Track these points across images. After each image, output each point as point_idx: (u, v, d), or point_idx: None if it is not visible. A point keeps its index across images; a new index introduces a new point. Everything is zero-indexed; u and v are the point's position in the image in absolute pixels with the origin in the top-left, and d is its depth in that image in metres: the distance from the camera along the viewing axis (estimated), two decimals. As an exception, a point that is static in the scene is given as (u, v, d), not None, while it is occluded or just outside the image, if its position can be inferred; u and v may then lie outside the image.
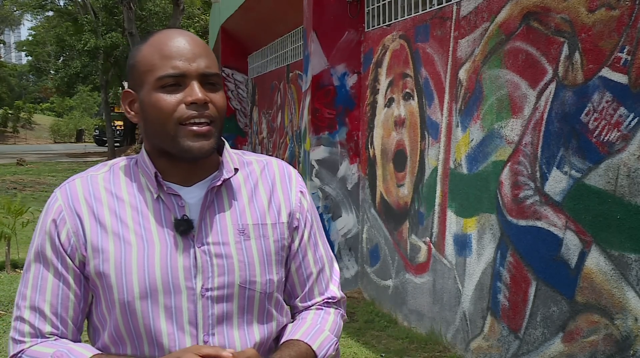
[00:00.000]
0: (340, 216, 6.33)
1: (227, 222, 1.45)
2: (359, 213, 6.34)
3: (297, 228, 1.55)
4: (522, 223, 3.84)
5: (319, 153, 6.28)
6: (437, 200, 4.84)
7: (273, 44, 10.76)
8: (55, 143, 45.62)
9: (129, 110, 1.45)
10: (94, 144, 40.05)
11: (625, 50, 3.08)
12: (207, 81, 1.38)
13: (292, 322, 1.58)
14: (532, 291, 3.76)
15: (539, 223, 3.69)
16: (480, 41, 4.27)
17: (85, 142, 45.49)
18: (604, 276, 3.22)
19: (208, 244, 1.43)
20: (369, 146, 6.11)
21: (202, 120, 1.36)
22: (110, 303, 1.40)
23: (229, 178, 1.47)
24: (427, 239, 4.99)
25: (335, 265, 1.65)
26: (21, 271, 6.92)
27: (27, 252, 1.46)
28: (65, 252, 1.41)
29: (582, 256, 3.36)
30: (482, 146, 4.25)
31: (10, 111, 46.56)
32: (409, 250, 5.30)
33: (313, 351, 1.46)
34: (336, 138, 6.30)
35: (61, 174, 16.69)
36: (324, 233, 1.65)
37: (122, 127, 34.27)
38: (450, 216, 4.65)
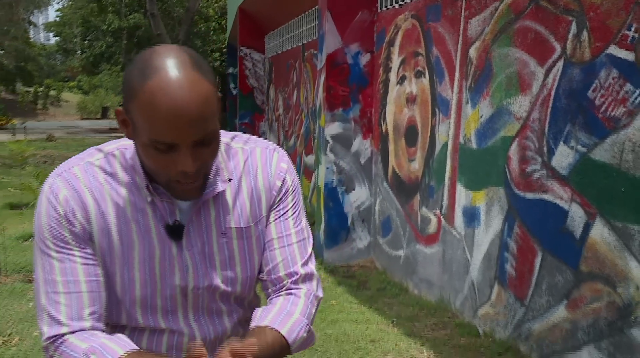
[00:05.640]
0: (354, 190, 6.33)
1: (212, 226, 1.42)
2: (372, 187, 6.34)
3: (271, 208, 1.50)
4: (529, 196, 3.82)
5: (333, 128, 6.27)
6: (447, 174, 4.82)
7: (289, 24, 10.69)
8: (82, 119, 45.78)
9: (122, 127, 1.31)
10: (119, 120, 40.15)
11: (633, 28, 3.03)
12: (201, 141, 1.25)
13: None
14: (537, 261, 3.76)
15: (545, 196, 3.68)
16: (490, 20, 4.22)
17: (110, 118, 45.62)
18: (608, 247, 3.20)
19: (196, 247, 1.42)
20: (382, 122, 6.09)
21: (191, 180, 1.29)
22: (112, 295, 1.40)
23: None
24: (437, 211, 4.99)
25: (308, 245, 1.54)
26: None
27: (35, 249, 1.36)
28: (83, 239, 1.35)
29: (587, 227, 3.35)
30: (491, 122, 4.22)
31: (40, 89, 46.81)
32: (419, 222, 5.30)
33: (282, 336, 1.40)
34: (350, 114, 6.28)
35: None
36: (301, 214, 1.54)
37: (145, 105, 34.24)
38: (460, 189, 4.64)
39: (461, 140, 4.62)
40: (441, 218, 4.93)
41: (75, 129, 30.54)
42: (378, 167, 6.20)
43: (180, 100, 1.18)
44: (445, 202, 4.87)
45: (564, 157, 3.51)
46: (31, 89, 46.10)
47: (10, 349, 3.99)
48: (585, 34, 3.35)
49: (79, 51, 37.23)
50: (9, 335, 4.25)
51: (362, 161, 6.35)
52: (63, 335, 1.32)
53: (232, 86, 16.25)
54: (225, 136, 1.47)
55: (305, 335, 1.45)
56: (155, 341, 1.47)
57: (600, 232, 3.26)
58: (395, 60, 5.76)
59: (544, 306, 3.70)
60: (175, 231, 1.40)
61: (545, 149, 3.68)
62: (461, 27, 4.61)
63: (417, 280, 5.32)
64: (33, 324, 4.41)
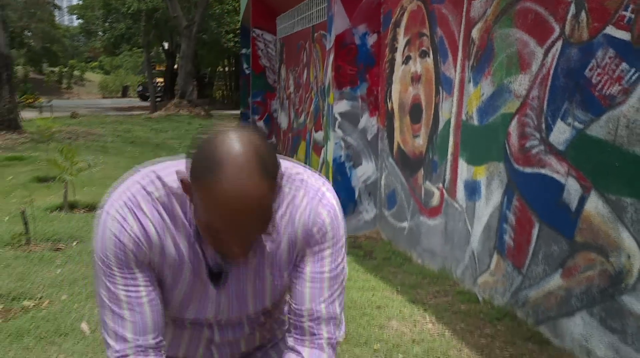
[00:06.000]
0: (361, 164, 6.32)
1: (250, 273, 1.42)
2: (378, 162, 6.33)
3: (308, 247, 1.43)
4: (528, 170, 3.81)
5: (342, 106, 6.25)
6: (450, 150, 4.81)
7: (299, 6, 10.60)
8: (104, 98, 45.75)
9: (184, 189, 1.26)
10: (138, 98, 40.16)
11: (630, 9, 2.99)
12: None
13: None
14: (535, 232, 3.76)
15: (543, 171, 3.66)
16: (492, 2, 4.18)
17: (130, 97, 45.61)
18: (602, 219, 3.20)
19: (232, 289, 1.43)
20: (388, 100, 6.06)
21: (239, 259, 1.29)
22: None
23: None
24: (440, 185, 4.98)
25: (338, 285, 1.45)
26: (78, 212, 7.03)
27: (96, 260, 1.35)
28: (144, 264, 1.34)
29: (582, 200, 3.34)
30: (492, 99, 4.19)
31: (64, 69, 46.82)
32: (423, 195, 5.30)
33: None
34: (357, 92, 6.26)
35: (110, 126, 16.83)
36: (339, 255, 1.44)
37: (163, 84, 34.23)
38: (462, 164, 4.63)
39: (463, 117, 4.60)
40: (444, 191, 4.93)
41: (98, 107, 30.59)
42: (384, 143, 6.19)
43: (239, 207, 1.14)
44: (447, 176, 4.86)
45: (561, 133, 3.49)
46: (56, 69, 46.12)
47: (40, 312, 4.04)
48: (583, 14, 3.31)
49: (100, 33, 37.10)
50: (40, 298, 4.30)
51: (369, 137, 6.33)
52: (127, 355, 1.35)
53: (245, 66, 16.16)
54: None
55: None
56: (179, 332, 1.53)
57: (594, 205, 3.25)
58: (401, 40, 5.72)
59: (540, 274, 3.71)
60: (217, 276, 1.41)
61: (543, 125, 3.65)
62: (464, 9, 4.56)
63: (421, 250, 5.34)
64: (61, 289, 4.47)
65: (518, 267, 3.93)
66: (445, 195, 4.90)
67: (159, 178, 1.32)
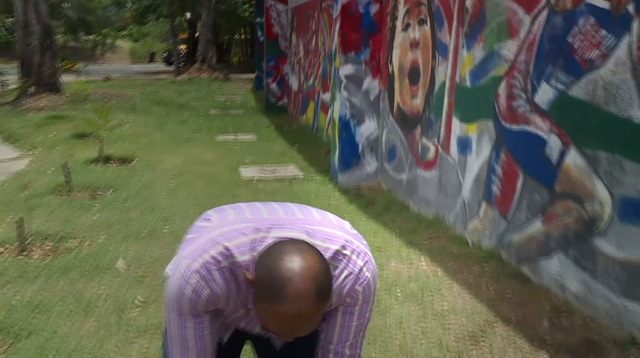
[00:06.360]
0: (364, 122, 6.30)
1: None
2: (379, 120, 6.31)
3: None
4: (514, 127, 3.80)
5: (347, 69, 6.20)
6: (444, 109, 4.78)
7: (309, -21, 10.40)
8: (133, 63, 45.34)
9: (248, 280, 1.29)
10: (164, 64, 39.81)
11: (610, -20, 2.93)
12: None
13: None
14: (519, 183, 3.77)
15: (528, 128, 3.65)
16: (485, -26, 4.09)
17: (156, 62, 45.17)
18: (579, 171, 3.20)
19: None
20: (389, 64, 6.00)
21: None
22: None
23: None
24: (435, 141, 4.98)
25: (360, 338, 1.51)
26: (111, 164, 7.07)
27: (169, 307, 1.40)
28: (212, 316, 1.41)
29: (562, 154, 3.33)
30: (483, 63, 4.14)
31: (98, 38, 46.49)
32: (420, 150, 5.30)
33: None
34: (361, 57, 6.19)
35: (138, 88, 16.72)
36: (366, 317, 1.48)
37: (186, 50, 33.82)
38: (455, 122, 4.61)
39: (457, 80, 4.55)
40: (438, 146, 4.92)
41: (128, 71, 30.37)
42: (385, 103, 6.15)
43: (295, 326, 1.20)
44: (442, 133, 4.85)
45: (545, 94, 3.47)
46: (91, 37, 45.76)
47: (82, 251, 4.12)
48: (568, -15, 3.25)
49: (129, 4, 36.56)
50: (82, 239, 4.38)
51: (371, 98, 6.29)
52: None
53: (259, 33, 15.95)
54: (327, 252, 1.37)
55: None
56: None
57: (573, 158, 3.25)
58: (401, 9, 5.62)
59: (523, 220, 3.73)
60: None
61: (529, 87, 3.62)
62: (459, -20, 4.47)
63: (417, 199, 5.36)
64: (99, 231, 4.54)
65: (504, 214, 3.95)
66: (440, 150, 4.89)
67: (230, 254, 1.34)
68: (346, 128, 6.28)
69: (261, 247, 1.31)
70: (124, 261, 3.95)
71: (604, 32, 3.00)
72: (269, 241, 1.31)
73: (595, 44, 3.05)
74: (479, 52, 4.19)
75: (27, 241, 4.16)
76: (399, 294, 3.48)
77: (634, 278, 2.85)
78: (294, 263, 1.18)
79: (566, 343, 2.90)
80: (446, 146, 4.77)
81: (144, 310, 3.23)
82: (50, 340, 2.89)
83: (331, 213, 1.55)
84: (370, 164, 6.38)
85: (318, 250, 1.26)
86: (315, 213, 1.47)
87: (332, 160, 6.59)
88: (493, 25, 4.00)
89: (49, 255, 4.04)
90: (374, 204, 5.57)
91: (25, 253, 4.05)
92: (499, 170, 3.99)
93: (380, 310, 3.25)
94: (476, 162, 4.29)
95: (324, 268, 1.22)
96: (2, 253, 4.08)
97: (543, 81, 3.48)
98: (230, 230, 1.36)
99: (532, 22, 3.58)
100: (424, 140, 5.19)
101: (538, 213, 3.58)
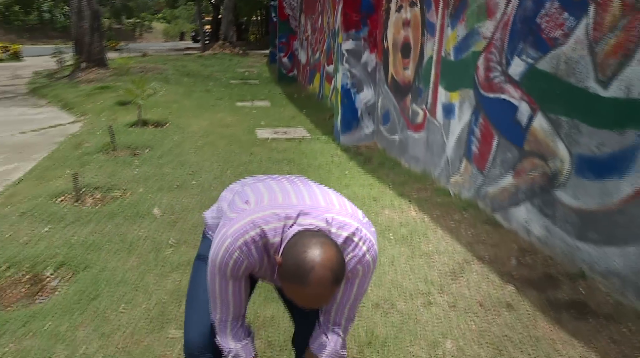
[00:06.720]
0: (363, 91, 6.24)
1: None
2: (376, 88, 6.25)
3: None
4: (491, 95, 3.76)
5: (348, 45, 6.10)
6: (432, 79, 4.73)
7: (316, -35, 10.12)
8: (166, 41, 44.78)
9: (275, 257, 1.36)
10: (192, 41, 39.24)
11: (576, -34, 2.85)
12: None
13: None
14: (494, 143, 3.75)
15: (502, 96, 3.61)
16: (469, -40, 3.97)
17: (185, 40, 44.56)
18: (544, 133, 3.18)
19: None
20: (384, 40, 5.90)
21: None
22: None
23: None
24: (424, 106, 4.94)
25: (356, 309, 1.56)
26: (148, 127, 7.06)
27: (214, 271, 1.44)
28: (246, 276, 1.46)
29: (531, 119, 3.31)
30: (464, 40, 4.07)
31: (137, 20, 46.06)
32: (410, 114, 5.26)
33: None
34: (360, 34, 6.09)
35: (170, 63, 16.53)
36: (364, 288, 1.51)
37: (210, 30, 33.24)
38: (441, 90, 4.56)
39: (442, 54, 4.48)
40: (426, 111, 4.88)
41: (161, 48, 29.98)
42: (381, 74, 6.08)
43: (314, 304, 1.27)
44: (429, 100, 4.81)
45: (517, 67, 3.42)
46: (132, 20, 45.32)
47: (125, 200, 4.16)
48: (540, -29, 3.15)
49: (162, -11, 35.84)
50: (124, 190, 4.42)
51: (369, 70, 6.21)
52: (228, 319, 1.52)
53: (273, 15, 15.64)
54: (339, 238, 1.41)
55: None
56: None
57: (539, 122, 3.23)
58: (396, -7, 5.49)
59: (497, 175, 3.74)
60: None
61: (504, 61, 3.57)
62: (446, -34, 4.34)
63: (408, 157, 5.36)
64: (139, 183, 4.57)
65: (481, 169, 3.96)
66: (428, 115, 4.86)
67: (263, 231, 1.37)
68: (347, 95, 6.23)
69: (289, 231, 1.35)
70: (159, 208, 4.00)
71: (566, 14, 2.93)
72: (296, 228, 1.35)
73: (559, 25, 2.99)
74: (461, 30, 4.11)
75: (81, 192, 4.22)
76: (391, 237, 3.51)
77: (585, 223, 2.87)
78: (315, 255, 1.24)
79: (530, 278, 2.94)
80: (433, 111, 4.74)
81: (176, 249, 3.29)
82: (102, 273, 2.96)
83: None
84: (367, 127, 6.35)
85: (336, 243, 1.30)
86: (335, 200, 1.47)
87: (335, 123, 6.56)
88: (474, 7, 3.91)
89: (99, 203, 4.09)
90: (370, 161, 5.57)
91: (79, 201, 4.11)
92: (477, 132, 3.98)
93: (374, 249, 3.29)
94: (458, 125, 4.27)
95: (339, 259, 1.27)
96: (62, 201, 4.14)
97: (515, 56, 3.42)
98: (267, 214, 1.38)
99: (507, 4, 3.50)
100: (414, 106, 5.15)
101: (509, 169, 3.58)
